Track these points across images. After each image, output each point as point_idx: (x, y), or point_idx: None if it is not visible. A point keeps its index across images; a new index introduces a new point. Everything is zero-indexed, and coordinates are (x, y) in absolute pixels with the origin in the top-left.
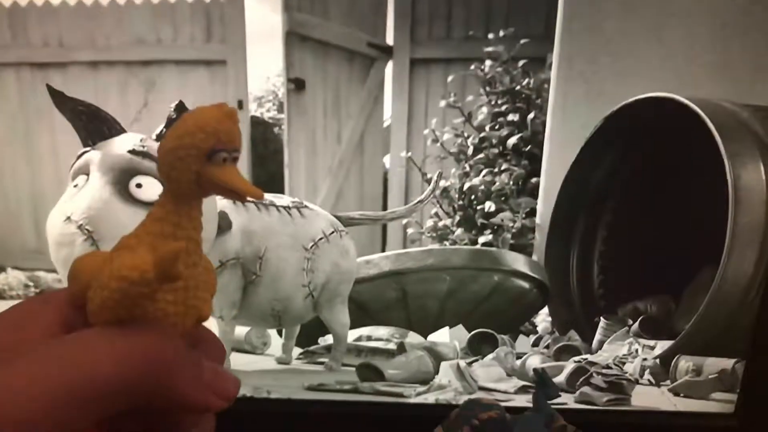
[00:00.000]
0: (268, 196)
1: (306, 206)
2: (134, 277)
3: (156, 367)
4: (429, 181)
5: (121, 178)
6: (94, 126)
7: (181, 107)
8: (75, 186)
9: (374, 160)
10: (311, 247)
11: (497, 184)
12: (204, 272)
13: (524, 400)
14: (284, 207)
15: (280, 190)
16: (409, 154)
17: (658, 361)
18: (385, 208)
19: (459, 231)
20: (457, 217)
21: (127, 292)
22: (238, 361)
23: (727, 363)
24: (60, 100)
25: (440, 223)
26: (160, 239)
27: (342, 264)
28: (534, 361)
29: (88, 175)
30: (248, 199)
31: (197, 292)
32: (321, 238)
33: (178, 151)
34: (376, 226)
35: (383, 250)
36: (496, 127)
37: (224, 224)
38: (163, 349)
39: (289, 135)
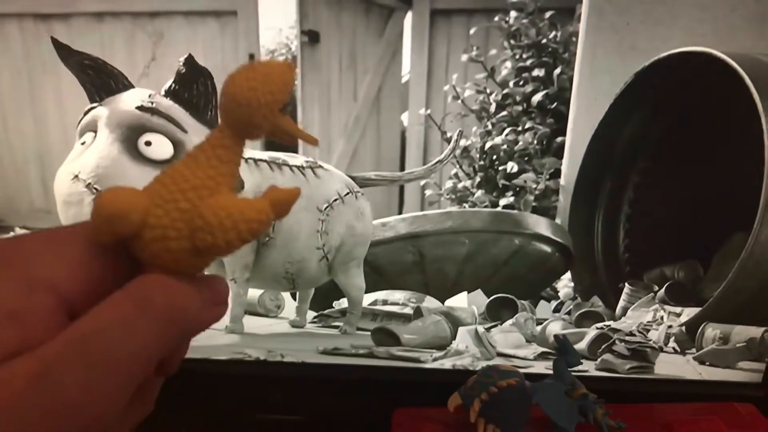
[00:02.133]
0: (281, 156)
1: (320, 166)
2: (264, 222)
3: (182, 319)
4: (449, 140)
5: (130, 136)
6: (100, 81)
7: (190, 61)
8: (82, 143)
9: (392, 118)
10: (326, 209)
11: (520, 143)
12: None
13: (544, 367)
14: (298, 167)
15: (293, 149)
16: (429, 111)
17: (683, 328)
18: (402, 168)
19: (479, 193)
20: (478, 178)
21: (253, 236)
22: (251, 324)
23: (756, 332)
24: (65, 53)
25: (460, 185)
26: (231, 180)
27: (357, 226)
28: (555, 328)
29: (95, 132)
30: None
31: (238, 211)
32: (336, 200)
33: (260, 101)
34: (393, 187)
35: (400, 212)
36: (521, 83)
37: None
38: (186, 295)
39: (302, 91)
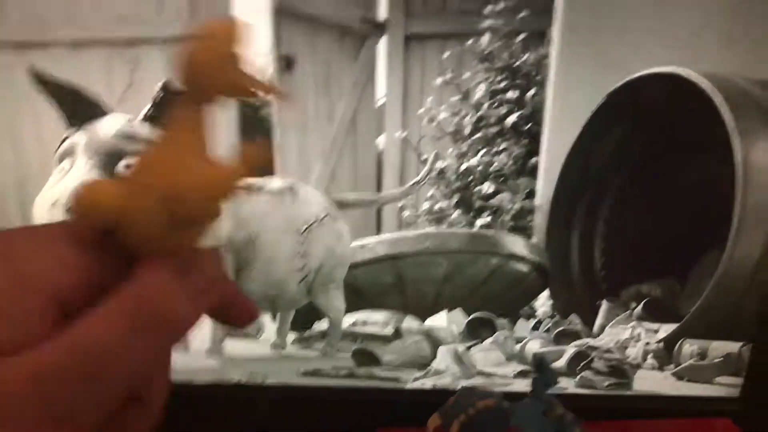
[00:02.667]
0: (259, 180)
1: (298, 189)
2: (234, 178)
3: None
4: (425, 162)
5: (109, 161)
6: (78, 108)
7: (167, 87)
8: (61, 170)
9: (368, 141)
10: (304, 231)
11: (495, 164)
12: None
13: (524, 385)
14: (276, 190)
15: (269, 172)
16: (405, 134)
17: (661, 344)
18: (379, 190)
19: (456, 213)
20: (455, 199)
21: (225, 195)
22: (232, 347)
23: (733, 347)
24: (42, 81)
25: (437, 206)
26: (199, 145)
27: (336, 248)
28: (534, 346)
29: (74, 158)
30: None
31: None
32: (314, 222)
33: (219, 62)
34: (370, 209)
35: (378, 233)
36: (495, 104)
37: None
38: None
39: (279, 116)
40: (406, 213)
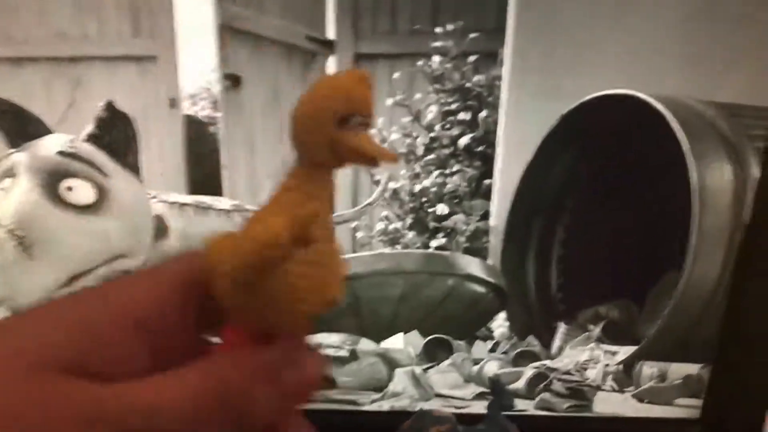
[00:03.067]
0: (206, 200)
1: (247, 209)
2: (268, 238)
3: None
4: (378, 183)
5: (51, 181)
6: (18, 126)
7: (110, 106)
8: (1, 189)
9: None
10: None
11: (449, 185)
12: (337, 251)
13: (482, 407)
14: (224, 210)
15: (216, 191)
16: None
17: (621, 367)
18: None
19: (411, 234)
20: (409, 220)
21: (260, 255)
22: None
23: (693, 368)
24: None
25: (391, 226)
26: (292, 209)
27: None
28: (492, 367)
29: (14, 177)
30: (381, 163)
31: (331, 269)
32: None
33: (312, 115)
34: None
35: None
36: (447, 126)
37: (161, 229)
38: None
39: (225, 134)
40: (360, 234)
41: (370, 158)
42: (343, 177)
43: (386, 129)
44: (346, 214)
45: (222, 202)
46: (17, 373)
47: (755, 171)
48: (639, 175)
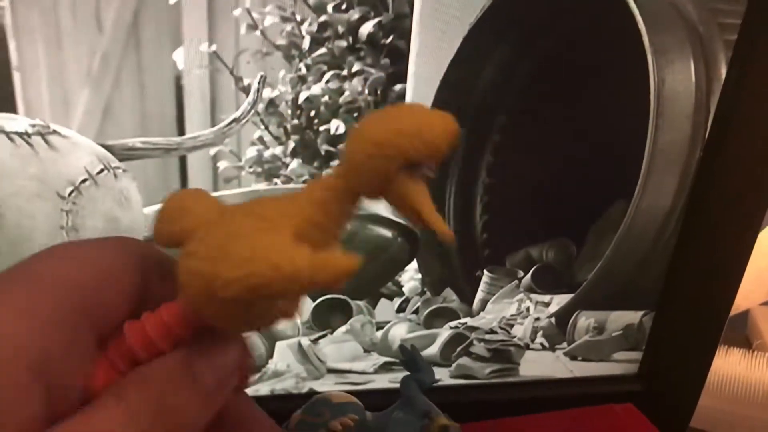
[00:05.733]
0: None
1: (55, 132)
2: (286, 272)
3: None
4: (246, 90)
5: None
6: None
7: None
8: None
9: (159, 57)
10: (70, 194)
11: (347, 93)
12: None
13: (387, 380)
14: (20, 134)
15: (8, 106)
16: (214, 47)
17: (553, 320)
18: (181, 130)
19: (295, 163)
20: (292, 143)
21: (274, 286)
22: None
23: (634, 316)
24: None
25: (267, 153)
26: (309, 227)
27: (122, 217)
28: (399, 331)
29: None
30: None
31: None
32: (85, 180)
33: (383, 145)
34: (170, 158)
35: None
36: (343, 6)
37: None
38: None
39: (14, 18)
40: (224, 164)
41: (418, 218)
42: (195, 81)
43: (257, 10)
44: (202, 135)
45: (17, 121)
46: None
47: (723, 70)
48: (587, 81)
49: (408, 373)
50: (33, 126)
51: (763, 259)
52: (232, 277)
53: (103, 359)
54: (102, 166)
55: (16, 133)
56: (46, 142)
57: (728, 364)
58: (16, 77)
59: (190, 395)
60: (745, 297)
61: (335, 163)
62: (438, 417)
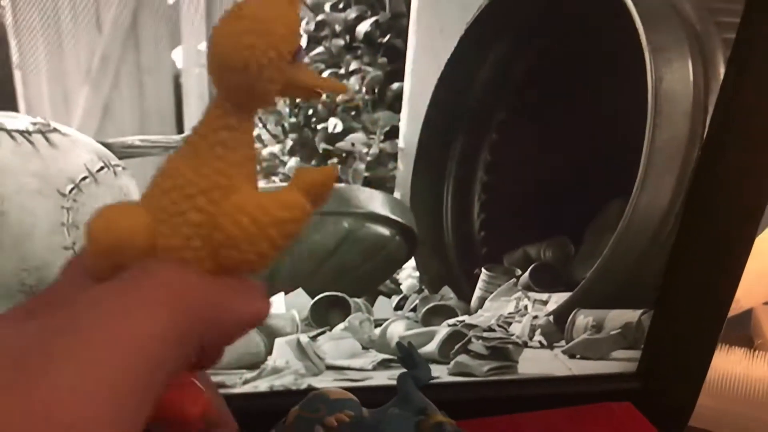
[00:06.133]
0: None
1: (56, 130)
2: (300, 219)
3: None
4: None
5: None
6: None
7: None
8: None
9: (157, 57)
10: (71, 191)
11: None
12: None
13: (385, 377)
14: (21, 132)
15: (9, 104)
16: None
17: (551, 318)
18: (180, 129)
19: (292, 161)
20: (290, 142)
21: (290, 239)
22: None
23: (632, 315)
24: None
25: (265, 151)
26: (247, 168)
27: None
28: (398, 329)
29: None
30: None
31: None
32: (85, 177)
33: (263, 54)
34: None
35: None
36: (340, 5)
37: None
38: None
39: (15, 18)
40: None
41: (318, 92)
42: (193, 80)
43: None
44: None
45: (18, 120)
46: None
47: (721, 69)
48: (585, 78)
49: (405, 370)
50: (34, 124)
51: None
52: (260, 250)
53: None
54: (102, 164)
55: (18, 131)
56: (47, 140)
57: (729, 364)
58: (17, 76)
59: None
60: (749, 296)
61: (333, 161)
62: (434, 414)
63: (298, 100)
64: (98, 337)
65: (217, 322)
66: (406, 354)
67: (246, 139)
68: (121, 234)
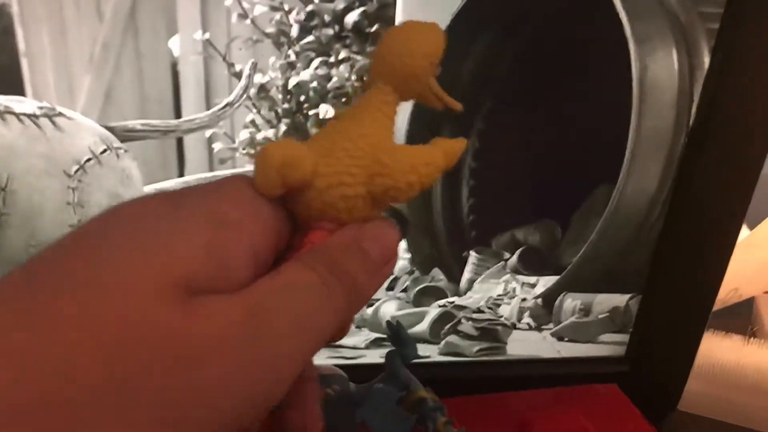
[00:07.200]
0: (2, 101)
1: (61, 114)
2: (441, 167)
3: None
4: (239, 75)
5: None
6: None
7: None
8: None
9: (156, 45)
10: (76, 172)
11: (335, 79)
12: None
13: (378, 356)
14: (28, 115)
15: (17, 90)
16: (207, 35)
17: (539, 300)
18: (178, 113)
19: None
20: (283, 127)
21: (431, 180)
22: None
23: (620, 299)
24: None
25: (259, 135)
26: (392, 135)
27: (123, 194)
28: (389, 309)
29: None
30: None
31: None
32: (89, 159)
33: (424, 58)
34: (167, 139)
35: (181, 175)
36: None
37: None
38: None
39: (21, 8)
40: (218, 146)
41: (442, 103)
42: (190, 67)
43: (248, 0)
44: (198, 118)
45: (25, 104)
46: (147, 294)
47: (705, 59)
48: (570, 67)
49: (392, 348)
50: (41, 108)
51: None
52: (409, 180)
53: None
54: (105, 147)
55: (25, 114)
56: (53, 123)
57: (722, 350)
58: (24, 63)
59: (360, 265)
60: (749, 285)
61: None
62: (417, 389)
63: (290, 88)
64: None
65: (365, 297)
66: (394, 332)
67: (393, 115)
68: (292, 155)
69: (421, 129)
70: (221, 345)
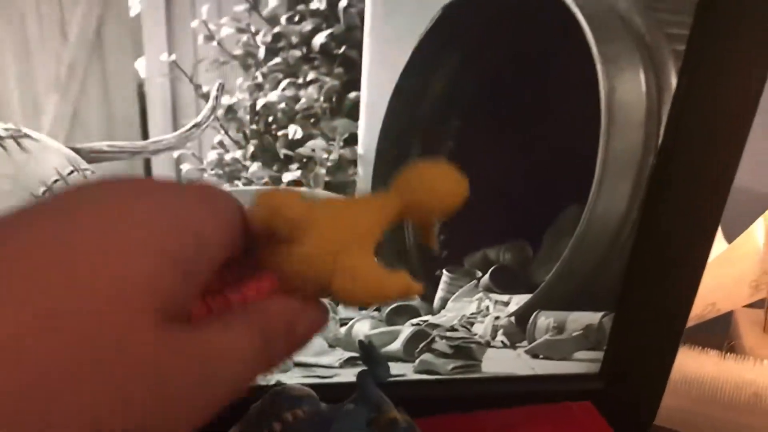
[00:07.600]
0: None
1: (27, 135)
2: (391, 301)
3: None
4: (206, 97)
5: None
6: None
7: None
8: None
9: (122, 66)
10: (43, 194)
11: (303, 100)
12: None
13: (351, 375)
14: None
15: None
16: (173, 57)
17: (513, 319)
18: (145, 134)
19: (255, 166)
20: (251, 148)
21: (372, 305)
22: None
23: (593, 317)
24: None
25: (228, 156)
26: (375, 243)
27: None
28: (363, 328)
29: None
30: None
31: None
32: (56, 181)
33: (449, 206)
34: (135, 160)
35: None
36: (296, 18)
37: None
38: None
39: None
40: (186, 167)
41: (429, 240)
42: (156, 89)
43: (213, 21)
44: (165, 139)
45: None
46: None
47: (673, 80)
48: (539, 88)
49: (364, 368)
50: (6, 130)
51: (746, 261)
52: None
53: (202, 300)
54: (72, 168)
55: None
56: (19, 144)
57: (699, 365)
58: None
59: (285, 344)
60: (726, 300)
61: (293, 166)
62: (389, 410)
63: (257, 109)
64: None
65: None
66: (366, 352)
67: (386, 226)
68: (279, 202)
69: (391, 146)
70: (237, 375)
